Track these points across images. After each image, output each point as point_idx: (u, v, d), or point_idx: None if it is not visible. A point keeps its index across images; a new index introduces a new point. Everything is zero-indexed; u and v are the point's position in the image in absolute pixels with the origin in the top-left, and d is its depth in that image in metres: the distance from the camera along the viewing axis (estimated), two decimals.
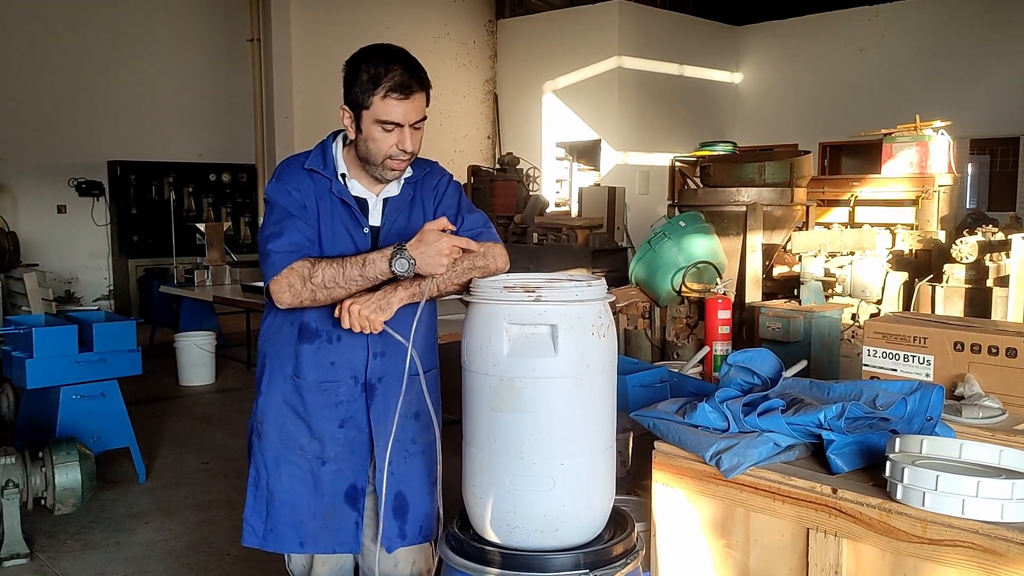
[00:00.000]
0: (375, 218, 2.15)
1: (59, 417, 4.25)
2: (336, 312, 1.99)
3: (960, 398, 3.07)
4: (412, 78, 2.01)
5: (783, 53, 12.28)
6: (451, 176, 2.30)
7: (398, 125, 2.01)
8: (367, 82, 2.00)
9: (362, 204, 2.14)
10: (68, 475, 3.69)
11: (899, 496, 2.16)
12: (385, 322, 1.99)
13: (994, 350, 3.07)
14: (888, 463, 2.20)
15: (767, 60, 12.51)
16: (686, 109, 12.08)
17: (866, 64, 11.21)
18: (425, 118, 2.07)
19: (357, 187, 2.15)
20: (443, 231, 1.95)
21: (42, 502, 3.75)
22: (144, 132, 9.86)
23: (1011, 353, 3.03)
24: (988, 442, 2.37)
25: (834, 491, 2.30)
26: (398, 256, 1.93)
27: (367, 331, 1.97)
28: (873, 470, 2.35)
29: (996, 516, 2.02)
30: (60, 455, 3.71)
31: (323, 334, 2.12)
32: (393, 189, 2.17)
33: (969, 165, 10.77)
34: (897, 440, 2.25)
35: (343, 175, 2.13)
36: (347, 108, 2.06)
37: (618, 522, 2.01)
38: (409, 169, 2.17)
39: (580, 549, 1.87)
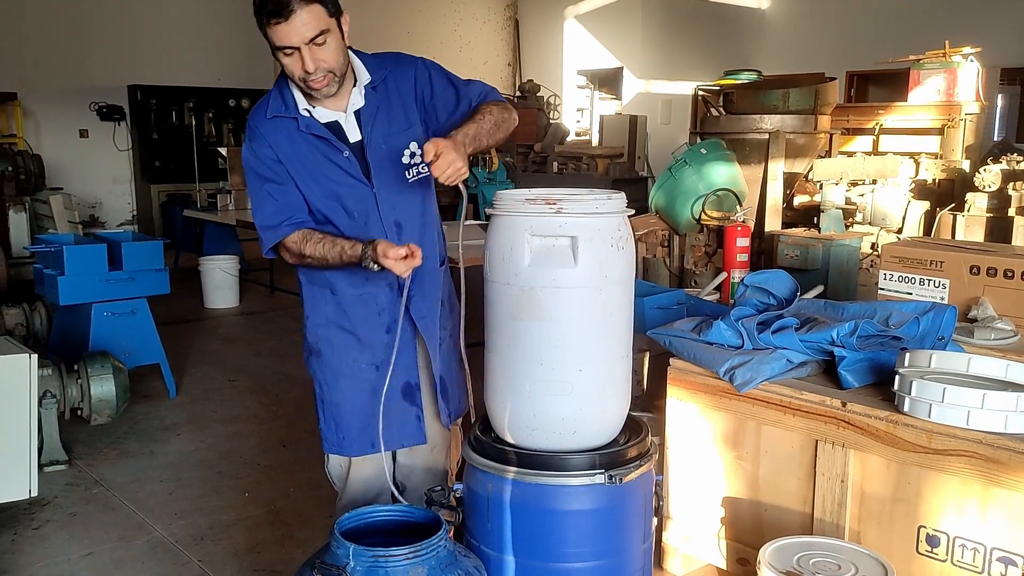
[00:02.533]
0: (354, 134, 2.15)
1: (91, 333, 4.38)
2: (429, 155, 1.89)
3: (974, 320, 3.11)
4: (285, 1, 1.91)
5: None
6: (423, 60, 2.22)
7: (294, 48, 1.95)
8: (255, 14, 1.96)
9: (336, 128, 2.14)
10: (103, 387, 3.82)
11: (906, 408, 2.23)
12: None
13: (1010, 274, 3.10)
14: (897, 376, 2.27)
15: None
16: (711, 36, 11.82)
17: None
18: (328, 30, 1.96)
19: (325, 112, 2.13)
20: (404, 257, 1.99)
21: (79, 413, 3.90)
22: (164, 57, 9.83)
23: None
24: None
25: (843, 404, 2.38)
26: (366, 259, 2.02)
27: (453, 182, 1.94)
28: (883, 386, 2.42)
29: (1000, 427, 2.10)
30: (95, 368, 3.84)
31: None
32: (358, 100, 2.14)
33: (1000, 96, 10.53)
34: (907, 355, 2.31)
35: (307, 110, 2.12)
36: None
37: (633, 428, 2.09)
38: (366, 74, 2.15)
39: (596, 451, 1.95)
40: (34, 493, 2.58)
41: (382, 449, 2.19)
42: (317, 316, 2.27)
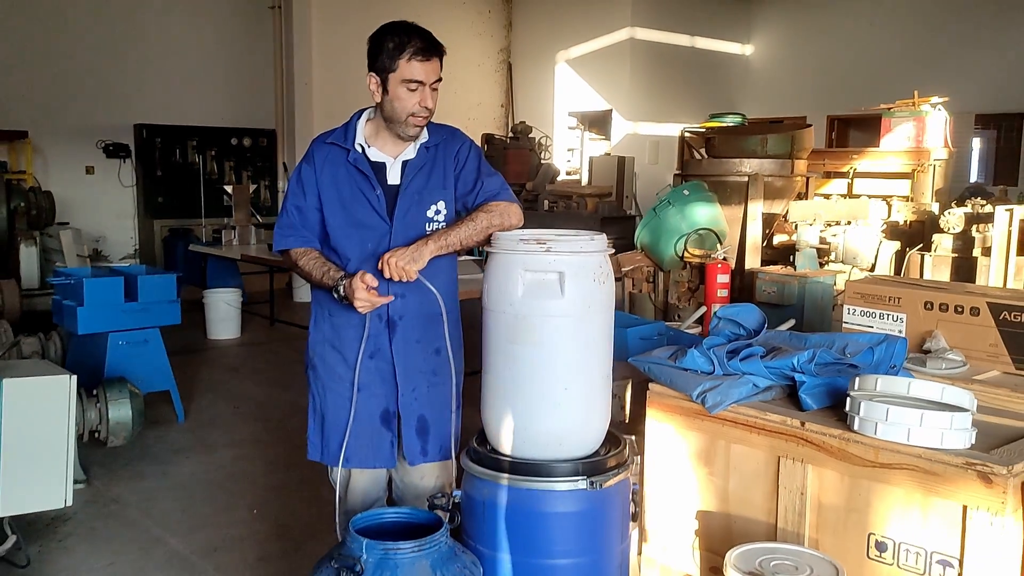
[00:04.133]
0: (394, 178, 2.47)
1: (107, 361, 4.63)
2: (379, 265, 2.33)
3: (928, 352, 3.40)
4: (431, 45, 2.35)
5: (794, 25, 12.42)
6: (471, 142, 2.59)
7: (421, 83, 2.34)
8: (394, 49, 2.33)
9: (380, 168, 2.46)
10: (120, 411, 4.06)
11: (856, 427, 2.51)
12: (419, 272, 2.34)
13: (960, 309, 3.40)
14: (848, 398, 2.55)
15: (778, 32, 12.66)
16: (697, 80, 12.27)
17: (876, 37, 11.35)
18: (440, 79, 2.39)
19: (376, 153, 2.47)
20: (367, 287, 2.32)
21: (96, 435, 4.13)
22: (169, 96, 10.17)
23: (975, 312, 3.36)
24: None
25: (802, 424, 2.65)
26: (340, 282, 2.35)
27: (403, 279, 2.31)
28: (839, 409, 2.69)
29: (937, 443, 2.37)
30: (113, 393, 4.08)
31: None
32: (410, 152, 2.48)
33: (978, 140, 10.97)
34: (857, 379, 2.59)
35: (360, 145, 2.46)
36: (374, 75, 2.39)
37: (613, 441, 2.36)
38: (425, 134, 2.48)
39: (579, 460, 2.22)
40: (69, 503, 2.82)
41: (340, 464, 2.48)
42: (316, 333, 2.55)
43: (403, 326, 2.48)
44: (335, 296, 2.35)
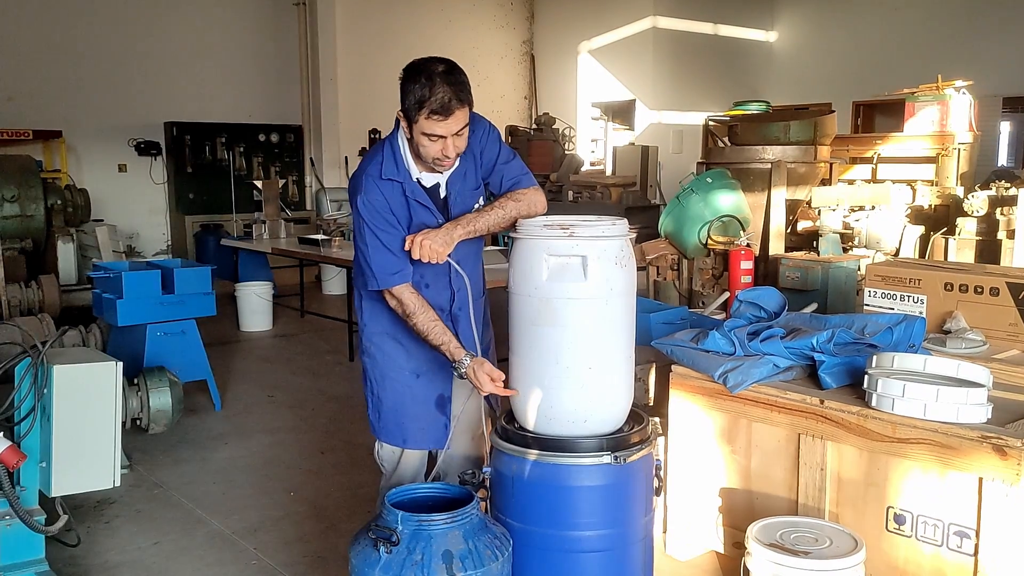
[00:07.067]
0: (444, 191, 2.54)
1: (146, 351, 4.78)
2: (407, 245, 2.41)
3: (948, 332, 3.45)
4: (453, 99, 2.29)
5: (818, 11, 12.34)
6: (489, 125, 2.60)
7: (442, 137, 2.34)
8: (414, 103, 2.31)
9: (434, 191, 2.52)
10: (161, 399, 4.20)
11: (874, 403, 2.58)
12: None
13: (979, 290, 3.44)
14: (866, 376, 2.62)
15: (802, 19, 12.59)
16: (720, 68, 12.24)
17: (901, 22, 11.26)
18: (467, 125, 2.36)
19: (428, 178, 2.52)
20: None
21: (137, 423, 4.28)
22: (197, 94, 10.35)
23: (994, 292, 3.41)
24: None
25: (821, 402, 2.73)
26: (461, 366, 2.41)
27: (433, 261, 2.39)
28: (857, 387, 2.76)
29: (952, 417, 2.44)
30: (153, 381, 4.22)
31: (414, 284, 2.52)
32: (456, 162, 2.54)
33: (1006, 123, 10.86)
34: (874, 357, 2.66)
35: (417, 179, 2.49)
36: (402, 116, 2.41)
37: (636, 419, 2.44)
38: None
39: (604, 436, 2.31)
40: (117, 483, 2.95)
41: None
42: (375, 325, 2.63)
43: (463, 316, 2.58)
44: (459, 373, 2.42)
